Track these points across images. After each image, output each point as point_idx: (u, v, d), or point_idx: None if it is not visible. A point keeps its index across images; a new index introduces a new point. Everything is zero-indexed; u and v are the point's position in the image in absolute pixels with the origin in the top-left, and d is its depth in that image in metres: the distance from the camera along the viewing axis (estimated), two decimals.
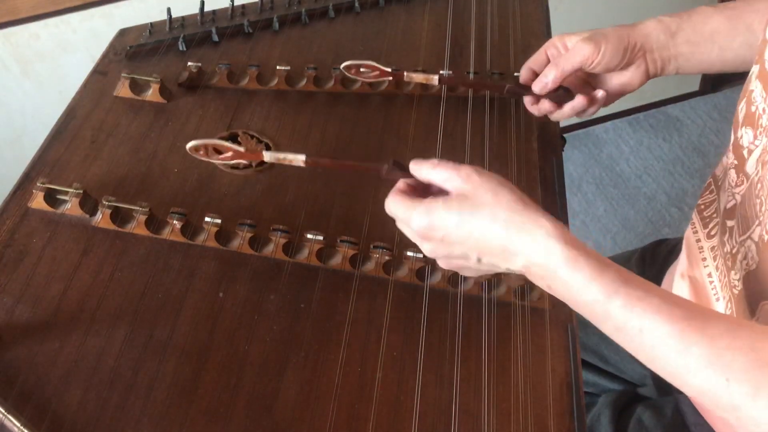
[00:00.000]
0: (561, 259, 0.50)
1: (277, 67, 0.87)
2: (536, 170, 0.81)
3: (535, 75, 0.77)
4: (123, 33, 0.94)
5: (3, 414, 0.55)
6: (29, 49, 1.41)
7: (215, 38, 0.93)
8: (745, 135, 0.64)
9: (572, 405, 0.62)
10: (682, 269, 0.77)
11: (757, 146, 0.62)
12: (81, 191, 0.71)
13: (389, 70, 0.77)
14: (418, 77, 0.78)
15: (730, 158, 0.67)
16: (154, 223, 0.71)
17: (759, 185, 0.60)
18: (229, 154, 0.64)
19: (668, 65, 0.75)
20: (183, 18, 0.94)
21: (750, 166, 0.63)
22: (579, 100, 0.75)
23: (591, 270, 0.50)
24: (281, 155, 0.63)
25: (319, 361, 0.63)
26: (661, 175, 2.00)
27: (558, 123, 0.88)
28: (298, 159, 0.62)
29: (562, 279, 0.51)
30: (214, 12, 0.95)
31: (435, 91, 0.88)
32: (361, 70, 0.79)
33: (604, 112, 2.11)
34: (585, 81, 0.79)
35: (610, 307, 0.49)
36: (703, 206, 0.75)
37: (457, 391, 0.62)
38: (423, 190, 0.59)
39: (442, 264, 0.58)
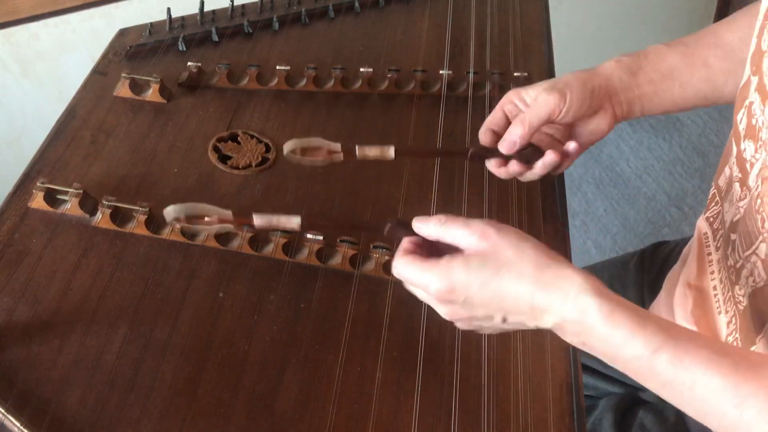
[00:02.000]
0: (598, 316, 0.48)
1: (277, 67, 0.87)
2: None
3: (497, 136, 0.70)
4: (123, 33, 0.94)
5: (3, 414, 0.55)
6: (29, 49, 1.41)
7: (215, 38, 0.93)
8: (748, 148, 0.63)
9: (572, 405, 0.62)
10: (689, 278, 0.76)
11: (757, 160, 0.61)
12: (81, 191, 0.71)
13: (338, 146, 0.66)
14: (372, 150, 0.67)
15: (734, 171, 0.67)
16: (154, 223, 0.71)
17: (759, 200, 0.60)
18: (215, 218, 0.56)
19: (634, 106, 0.72)
20: (183, 18, 0.94)
21: (752, 180, 0.62)
22: (550, 156, 0.68)
23: (631, 324, 0.47)
24: (274, 219, 0.56)
25: (319, 361, 0.63)
26: (661, 175, 2.00)
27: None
28: (293, 222, 0.56)
29: (600, 335, 0.48)
30: (214, 12, 0.95)
31: (435, 91, 0.88)
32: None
33: None
34: (551, 137, 0.74)
35: (656, 363, 0.47)
36: (711, 218, 0.74)
37: (457, 391, 0.62)
38: (431, 246, 0.55)
39: (460, 326, 0.55)
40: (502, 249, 0.51)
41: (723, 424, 0.47)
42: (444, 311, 0.54)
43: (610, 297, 0.49)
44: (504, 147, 0.69)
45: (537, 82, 0.70)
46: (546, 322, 0.51)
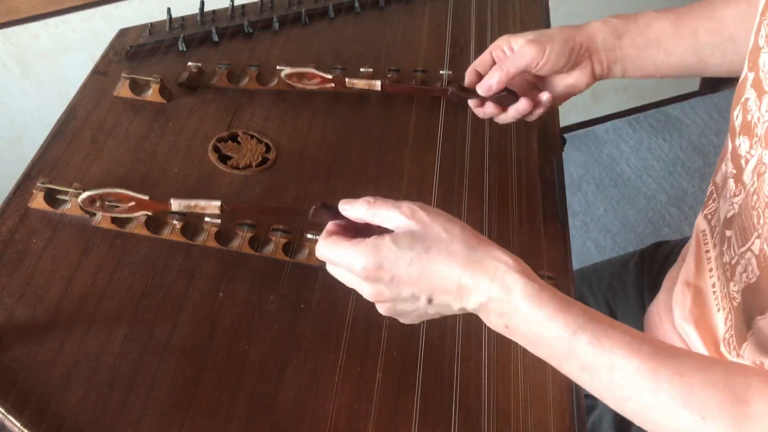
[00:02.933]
0: (522, 294, 0.48)
1: (277, 67, 0.87)
2: (536, 170, 0.81)
3: (480, 77, 0.75)
4: (123, 33, 0.94)
5: (3, 414, 0.55)
6: (29, 49, 1.41)
7: (215, 38, 0.93)
8: (743, 144, 0.63)
9: (572, 405, 0.62)
10: (687, 277, 0.76)
11: (752, 156, 0.61)
12: (81, 191, 0.71)
13: (330, 77, 0.74)
14: (360, 83, 0.76)
15: (729, 167, 0.67)
16: (154, 223, 0.71)
17: (755, 197, 0.60)
18: (131, 204, 0.55)
19: (614, 67, 0.74)
20: (183, 18, 0.94)
21: (747, 176, 0.62)
22: (522, 104, 0.73)
23: (554, 304, 0.48)
24: (192, 202, 0.55)
25: (319, 361, 0.63)
26: (661, 175, 2.00)
27: (558, 123, 0.88)
28: (213, 205, 0.54)
29: (524, 314, 0.49)
30: (214, 12, 0.95)
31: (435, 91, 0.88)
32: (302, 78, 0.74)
33: (604, 112, 2.12)
34: (531, 83, 0.78)
35: (576, 344, 0.47)
36: (709, 216, 0.74)
37: (457, 391, 0.62)
38: (357, 231, 0.55)
39: (382, 310, 0.55)
40: (432, 228, 0.51)
41: (639, 408, 0.47)
42: (368, 291, 0.53)
43: (537, 279, 0.50)
44: (482, 89, 0.74)
45: (527, 32, 0.74)
46: (471, 302, 0.51)
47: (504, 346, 0.65)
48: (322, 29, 0.97)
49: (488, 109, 0.76)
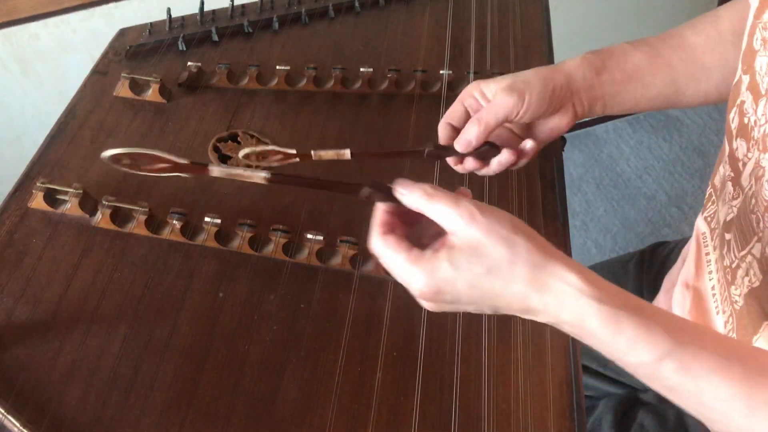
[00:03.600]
0: (597, 322, 0.45)
1: (277, 67, 0.87)
2: (536, 170, 0.81)
3: (455, 130, 0.69)
4: (123, 33, 0.94)
5: (3, 414, 0.55)
6: (29, 49, 1.41)
7: (215, 38, 0.93)
8: (740, 147, 0.63)
9: (572, 405, 0.62)
10: (687, 278, 0.76)
11: (750, 159, 0.61)
12: (81, 191, 0.71)
13: (293, 152, 0.65)
14: (328, 153, 0.65)
15: (727, 170, 0.67)
16: (154, 223, 0.71)
17: (753, 200, 0.59)
18: (164, 165, 0.51)
19: (595, 105, 0.71)
20: (183, 18, 0.94)
21: (745, 179, 0.62)
22: (506, 156, 0.68)
23: (635, 330, 0.45)
24: (234, 171, 0.52)
25: (319, 361, 0.63)
26: (661, 175, 2.00)
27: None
28: (258, 176, 0.51)
29: (601, 340, 0.46)
30: (214, 12, 0.95)
31: (435, 91, 0.88)
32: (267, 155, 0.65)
33: None
34: (510, 132, 0.72)
35: (661, 370, 0.45)
36: (709, 218, 0.74)
37: (457, 391, 0.62)
38: (411, 218, 0.51)
39: (442, 310, 0.52)
40: (491, 242, 0.46)
41: (732, 428, 0.46)
42: (428, 306, 0.50)
43: (611, 297, 0.46)
44: (459, 146, 0.68)
45: (498, 76, 0.69)
46: (540, 320, 0.49)
47: (504, 346, 0.65)
48: (322, 29, 0.97)
49: (468, 165, 0.70)
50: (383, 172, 0.79)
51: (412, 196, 0.49)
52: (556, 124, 0.70)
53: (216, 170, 0.51)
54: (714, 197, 0.73)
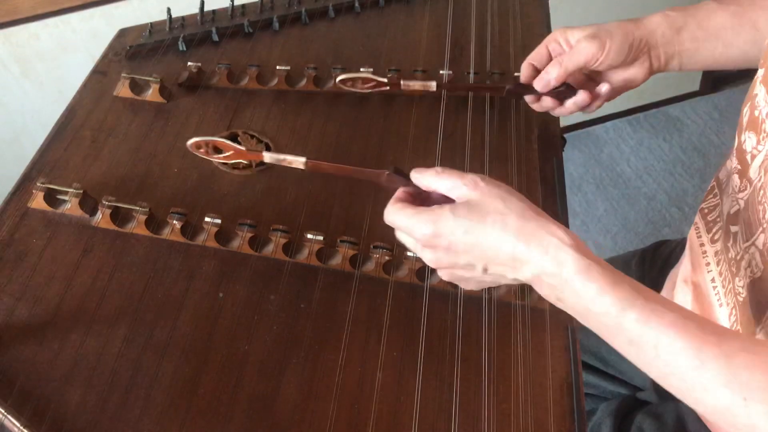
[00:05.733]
0: (574, 269, 0.49)
1: (277, 67, 0.87)
2: (536, 170, 0.81)
3: (536, 71, 0.75)
4: (123, 33, 0.94)
5: (3, 414, 0.55)
6: (29, 49, 1.41)
7: (215, 38, 0.93)
8: (749, 139, 0.63)
9: (572, 406, 0.62)
10: (685, 274, 0.76)
11: (760, 151, 0.61)
12: (81, 191, 0.71)
13: (385, 80, 0.75)
14: (416, 84, 0.76)
15: (733, 162, 0.67)
16: (154, 223, 0.71)
17: (762, 191, 0.60)
18: (230, 153, 0.64)
19: (672, 61, 0.73)
20: (183, 18, 0.94)
21: (753, 172, 0.62)
22: (582, 96, 0.74)
23: (605, 281, 0.49)
24: (281, 156, 0.62)
25: (319, 361, 0.63)
26: (661, 175, 2.00)
27: (558, 123, 0.88)
28: (299, 161, 0.62)
29: (574, 289, 0.50)
30: (214, 12, 0.95)
31: (435, 91, 0.88)
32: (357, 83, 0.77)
33: (604, 111, 2.11)
34: (587, 76, 0.77)
35: (623, 321, 0.48)
36: (706, 210, 0.74)
37: (457, 391, 0.62)
38: (423, 199, 0.57)
39: (443, 275, 0.57)
40: (490, 199, 0.52)
41: (682, 385, 0.48)
42: (428, 257, 0.55)
43: (590, 255, 0.50)
44: (539, 85, 0.74)
45: (583, 25, 0.73)
46: (524, 274, 0.52)
47: (504, 346, 0.65)
48: (322, 29, 0.97)
49: (545, 103, 0.76)
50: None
51: (424, 176, 0.56)
52: (631, 75, 0.74)
53: (267, 156, 0.63)
54: (717, 190, 0.73)
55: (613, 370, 0.89)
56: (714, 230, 0.72)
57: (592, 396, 0.90)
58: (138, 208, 0.70)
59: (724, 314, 0.68)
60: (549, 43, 0.75)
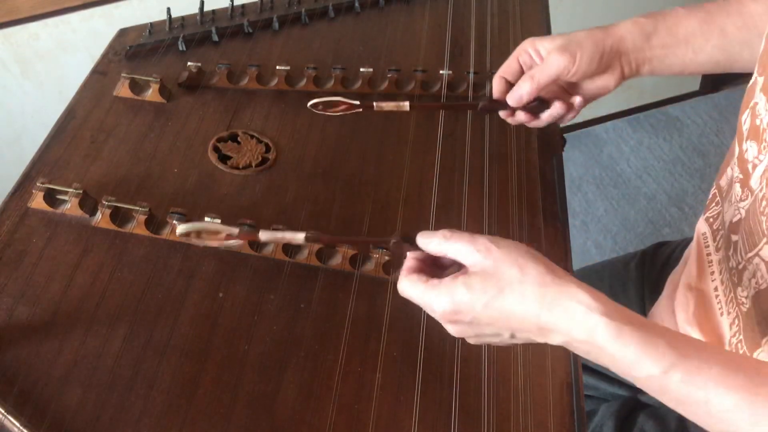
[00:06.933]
0: (606, 336, 0.47)
1: (277, 67, 0.87)
2: (536, 170, 0.81)
3: (509, 84, 0.73)
4: (123, 33, 0.94)
5: (3, 414, 0.55)
6: (29, 49, 1.41)
7: (215, 38, 0.93)
8: (750, 149, 0.63)
9: (572, 406, 0.62)
10: (690, 280, 0.76)
11: (761, 161, 0.61)
12: (81, 191, 0.71)
13: (357, 102, 0.71)
14: (389, 105, 0.72)
15: (735, 171, 0.66)
16: (154, 223, 0.71)
17: (764, 202, 0.60)
18: (222, 234, 0.59)
19: (643, 67, 0.73)
20: (183, 18, 0.94)
21: (754, 181, 0.62)
22: (556, 108, 0.73)
23: (641, 343, 0.47)
24: (279, 234, 0.58)
25: (319, 361, 0.63)
26: (661, 175, 2.00)
27: (558, 123, 0.88)
28: (298, 237, 0.57)
29: (610, 354, 0.48)
30: (213, 12, 0.95)
31: (435, 91, 0.88)
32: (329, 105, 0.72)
33: (604, 112, 2.12)
34: (560, 87, 0.76)
35: (668, 383, 0.47)
36: (711, 219, 0.74)
37: (457, 391, 0.62)
38: (435, 263, 0.56)
39: (472, 342, 0.55)
40: (505, 267, 0.50)
41: None
42: (452, 330, 0.54)
43: (618, 314, 0.48)
44: (512, 100, 0.72)
45: (553, 35, 0.72)
46: (554, 340, 0.50)
47: (504, 346, 0.65)
48: (322, 29, 0.97)
49: (519, 117, 0.74)
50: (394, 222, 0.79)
51: (431, 242, 0.53)
52: (603, 83, 0.73)
53: (263, 235, 0.58)
54: (719, 198, 0.73)
55: (613, 372, 0.89)
56: (718, 238, 0.72)
57: (593, 398, 0.90)
58: (138, 208, 0.70)
59: (726, 323, 0.68)
60: (519, 55, 0.73)
